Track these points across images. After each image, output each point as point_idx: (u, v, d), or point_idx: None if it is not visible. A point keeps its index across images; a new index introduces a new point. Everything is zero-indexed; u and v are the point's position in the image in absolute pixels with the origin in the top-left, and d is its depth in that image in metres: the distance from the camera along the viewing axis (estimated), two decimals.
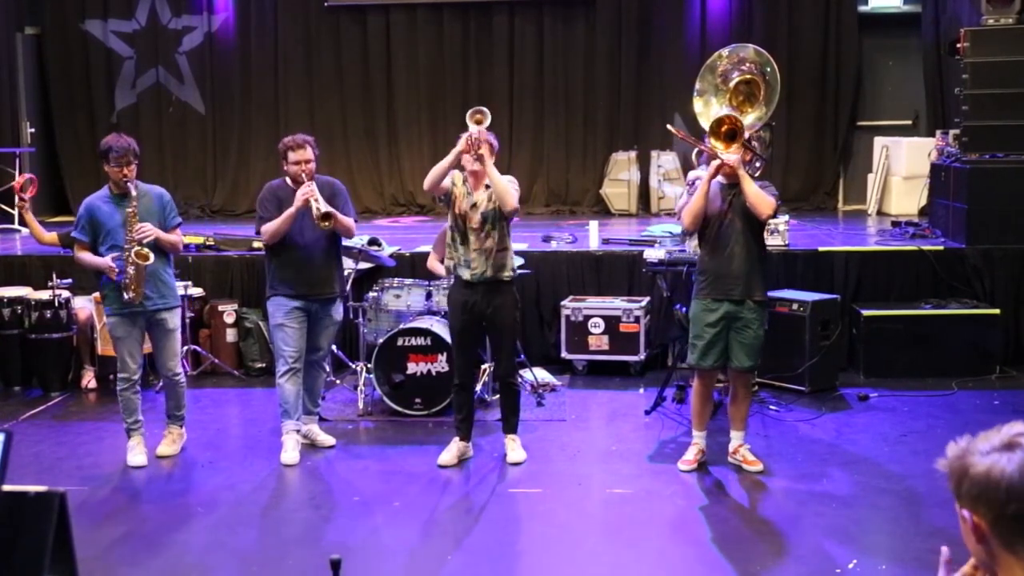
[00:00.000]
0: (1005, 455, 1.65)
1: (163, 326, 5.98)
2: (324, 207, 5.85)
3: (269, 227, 5.96)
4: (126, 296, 5.80)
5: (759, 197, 5.48)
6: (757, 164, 6.22)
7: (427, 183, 5.77)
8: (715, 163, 5.49)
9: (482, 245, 5.79)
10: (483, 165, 5.71)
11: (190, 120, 12.12)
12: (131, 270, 5.77)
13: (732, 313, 5.60)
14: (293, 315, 6.04)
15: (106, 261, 5.79)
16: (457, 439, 6.01)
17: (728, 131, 5.51)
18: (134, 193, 5.81)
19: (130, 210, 5.81)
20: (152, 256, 5.78)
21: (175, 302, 6.08)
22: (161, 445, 6.11)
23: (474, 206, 5.81)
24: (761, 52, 5.93)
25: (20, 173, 7.95)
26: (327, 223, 5.87)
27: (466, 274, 5.81)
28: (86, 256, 5.93)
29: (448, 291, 6.14)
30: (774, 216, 5.84)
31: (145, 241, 5.78)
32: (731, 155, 5.46)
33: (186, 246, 8.37)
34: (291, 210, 5.88)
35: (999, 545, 1.67)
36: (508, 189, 5.71)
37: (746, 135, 5.59)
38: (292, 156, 5.96)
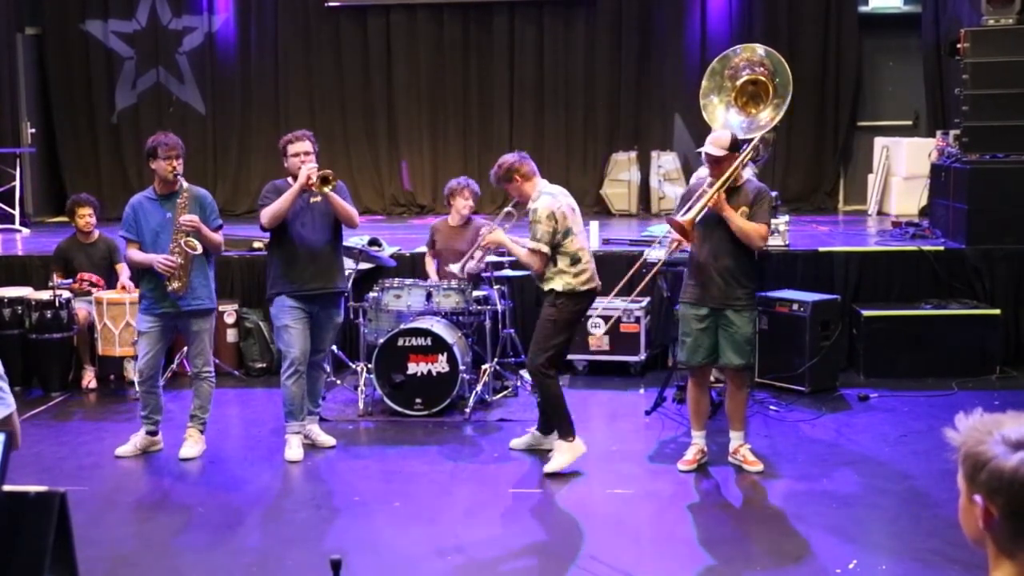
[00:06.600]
0: None
1: (189, 328, 6.04)
2: (322, 173, 5.85)
3: (270, 208, 5.92)
4: (171, 287, 5.85)
5: (745, 232, 5.45)
6: (758, 164, 6.18)
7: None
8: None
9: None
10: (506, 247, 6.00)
11: (190, 120, 12.12)
12: (179, 259, 5.83)
13: (717, 314, 5.61)
14: (296, 315, 6.04)
15: (157, 257, 5.83)
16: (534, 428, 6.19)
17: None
18: (185, 185, 5.90)
19: (180, 200, 5.89)
20: (200, 247, 5.85)
21: (208, 304, 6.06)
22: (184, 448, 6.07)
23: None
24: (772, 53, 5.90)
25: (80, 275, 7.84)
26: (328, 187, 5.83)
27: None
28: (138, 254, 5.98)
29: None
30: (775, 217, 5.80)
31: (191, 232, 5.84)
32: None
33: None
34: (295, 187, 5.87)
35: (1005, 536, 1.69)
36: (526, 261, 5.91)
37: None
38: (291, 148, 5.99)
